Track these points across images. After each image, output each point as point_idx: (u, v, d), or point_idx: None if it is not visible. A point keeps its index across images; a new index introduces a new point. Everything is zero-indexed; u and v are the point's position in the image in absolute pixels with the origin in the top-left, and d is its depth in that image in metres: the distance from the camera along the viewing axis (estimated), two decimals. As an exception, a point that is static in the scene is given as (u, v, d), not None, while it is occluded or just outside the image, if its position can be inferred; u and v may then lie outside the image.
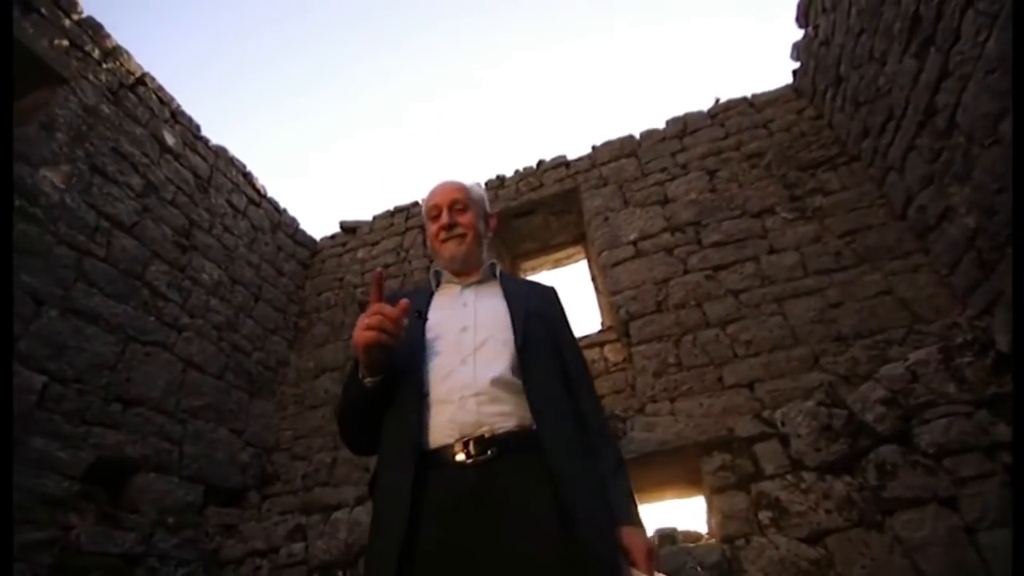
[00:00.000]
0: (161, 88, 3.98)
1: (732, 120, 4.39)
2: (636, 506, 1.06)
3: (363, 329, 1.00)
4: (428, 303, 1.26)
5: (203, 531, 3.16)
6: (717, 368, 3.26)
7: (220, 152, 4.43)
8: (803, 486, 2.46)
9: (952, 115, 2.80)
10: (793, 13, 4.20)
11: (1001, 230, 2.64)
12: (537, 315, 1.20)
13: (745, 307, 3.45)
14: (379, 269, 1.11)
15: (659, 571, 0.95)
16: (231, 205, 4.39)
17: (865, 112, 3.58)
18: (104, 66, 3.53)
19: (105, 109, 3.45)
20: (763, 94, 4.47)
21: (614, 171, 4.49)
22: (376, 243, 4.98)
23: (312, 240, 5.30)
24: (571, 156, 4.82)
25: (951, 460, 2.30)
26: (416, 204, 5.11)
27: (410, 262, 4.69)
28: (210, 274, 3.94)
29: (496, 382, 1.03)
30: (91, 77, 3.41)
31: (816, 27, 3.94)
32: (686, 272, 3.74)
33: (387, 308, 1.01)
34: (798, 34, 4.31)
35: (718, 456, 2.65)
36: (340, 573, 3.00)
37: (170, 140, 3.94)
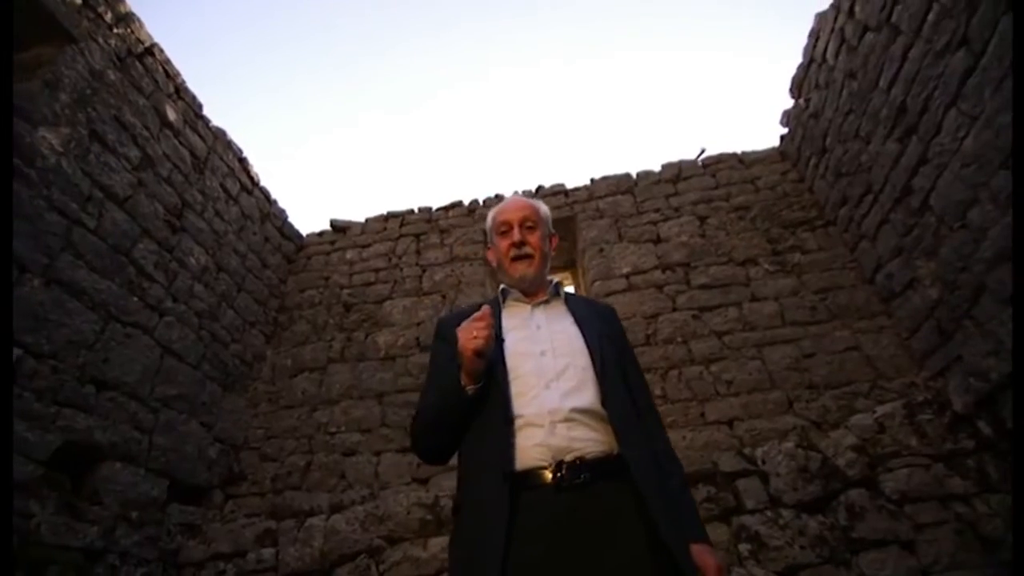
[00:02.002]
0: (168, 61, 3.84)
1: (723, 172, 4.70)
2: (702, 523, 1.14)
3: (470, 338, 1.05)
4: (499, 323, 1.27)
5: (165, 529, 2.97)
6: (700, 404, 3.44)
7: (219, 134, 4.30)
8: (781, 522, 2.64)
9: (926, 197, 3.15)
10: (785, 55, 4.58)
11: (961, 304, 2.97)
12: (606, 337, 1.25)
13: (728, 348, 3.67)
14: (487, 307, 1.15)
15: None
16: (224, 190, 4.24)
17: (845, 183, 3.94)
18: (115, 31, 3.38)
19: (111, 75, 3.30)
20: (752, 152, 4.82)
21: (611, 205, 4.69)
22: (367, 246, 4.92)
23: (299, 234, 5.17)
24: (569, 185, 4.99)
25: (911, 507, 2.54)
26: (412, 211, 5.11)
27: (401, 269, 4.67)
28: (197, 258, 3.78)
29: (583, 409, 1.07)
30: (100, 40, 3.26)
31: (808, 100, 4.33)
32: (674, 310, 3.94)
33: (488, 317, 1.09)
34: (787, 95, 4.70)
35: (703, 488, 2.79)
36: (313, 582, 2.89)
37: (171, 115, 3.79)
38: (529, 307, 1.31)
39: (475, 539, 0.98)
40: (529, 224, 1.35)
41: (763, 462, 2.85)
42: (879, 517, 2.53)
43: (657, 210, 4.55)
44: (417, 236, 4.87)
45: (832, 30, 3.86)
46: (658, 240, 4.36)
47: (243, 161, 4.54)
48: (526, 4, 18.40)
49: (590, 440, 1.04)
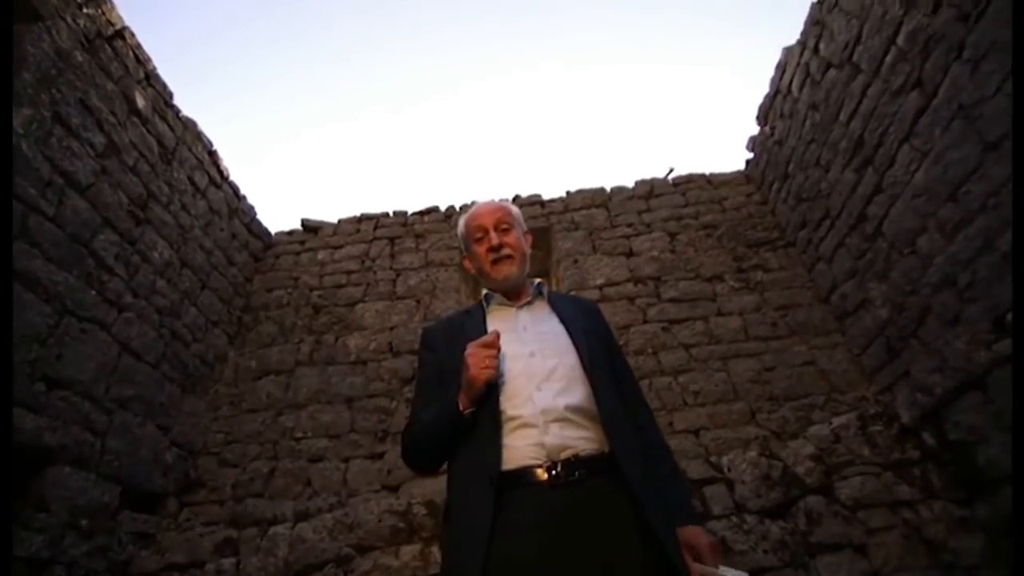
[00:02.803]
0: (139, 46, 3.68)
1: (692, 192, 4.90)
2: (693, 508, 1.19)
3: (482, 368, 1.06)
4: (484, 326, 1.29)
5: (115, 538, 2.80)
6: (669, 413, 3.55)
7: (189, 125, 4.14)
8: (745, 527, 2.75)
9: (879, 224, 3.39)
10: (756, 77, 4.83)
11: (908, 324, 3.21)
12: (592, 333, 1.28)
13: (695, 360, 3.81)
14: (497, 331, 1.15)
15: (723, 565, 1.06)
16: (192, 183, 4.07)
17: (805, 207, 4.20)
18: (84, 11, 3.22)
19: (78, 56, 3.13)
20: (720, 174, 5.06)
21: (585, 218, 4.79)
22: (339, 247, 4.83)
23: (267, 232, 5.02)
24: (545, 196, 5.07)
25: (864, 512, 2.70)
26: (387, 214, 5.05)
27: (375, 272, 4.60)
28: (161, 253, 3.61)
29: (575, 408, 1.09)
30: (69, 20, 3.09)
31: (773, 128, 4.59)
32: (645, 322, 4.06)
33: (498, 343, 1.11)
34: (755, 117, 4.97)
35: (673, 495, 2.87)
36: (277, 593, 2.79)
37: (140, 102, 3.62)
38: (514, 309, 1.33)
39: (463, 538, 0.99)
40: (504, 226, 1.36)
41: (729, 470, 2.97)
42: (835, 522, 2.68)
43: (630, 224, 4.69)
44: (392, 240, 4.82)
45: (798, 64, 4.12)
46: (630, 254, 4.49)
47: (213, 154, 4.38)
48: (508, 16, 18.64)
49: (583, 438, 1.06)
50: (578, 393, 1.13)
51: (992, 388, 2.44)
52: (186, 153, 4.06)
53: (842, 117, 3.65)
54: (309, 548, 2.92)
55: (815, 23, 3.85)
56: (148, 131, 3.67)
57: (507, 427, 1.08)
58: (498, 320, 1.31)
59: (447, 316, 1.57)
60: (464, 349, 1.15)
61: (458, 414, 1.09)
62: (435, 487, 3.30)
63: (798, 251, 4.34)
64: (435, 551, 2.80)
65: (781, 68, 4.39)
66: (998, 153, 2.52)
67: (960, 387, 2.59)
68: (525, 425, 1.07)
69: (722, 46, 19.59)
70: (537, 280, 1.42)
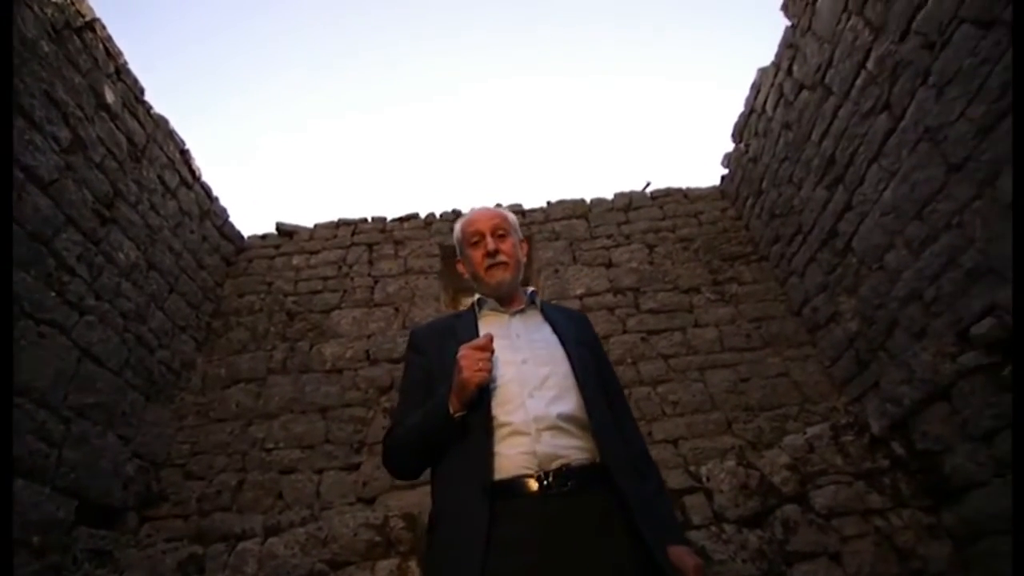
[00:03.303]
0: (110, 39, 3.55)
1: (669, 205, 5.00)
2: (679, 526, 1.19)
3: (475, 370, 1.03)
4: (476, 330, 1.27)
5: (70, 556, 2.63)
6: (648, 423, 3.57)
7: (160, 122, 3.99)
8: (724, 537, 2.77)
9: (849, 240, 3.52)
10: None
11: (877, 337, 3.33)
12: (583, 344, 1.28)
13: (673, 371, 3.85)
14: (491, 334, 1.12)
15: None
16: (162, 182, 3.92)
17: (778, 223, 4.32)
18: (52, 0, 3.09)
19: (45, 47, 2.99)
20: (696, 189, 5.17)
21: (566, 228, 4.83)
22: (315, 252, 4.72)
23: (240, 236, 4.86)
24: (526, 206, 5.09)
25: (838, 520, 2.76)
26: (365, 220, 4.97)
27: (352, 278, 4.51)
28: (127, 254, 3.45)
29: (567, 417, 1.08)
30: (36, 8, 2.96)
31: (748, 145, 4.73)
32: (625, 332, 4.09)
33: (491, 346, 1.08)
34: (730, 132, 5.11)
35: (654, 505, 2.88)
36: (245, 612, 2.66)
37: (110, 97, 3.48)
38: (507, 316, 1.31)
39: (454, 550, 0.96)
40: (500, 232, 1.35)
41: (708, 479, 3.00)
42: (810, 531, 2.73)
43: (610, 236, 4.74)
44: (370, 246, 4.74)
45: (772, 85, 4.27)
46: (610, 264, 4.53)
47: (185, 153, 4.24)
48: (491, 27, 18.79)
49: (574, 448, 1.05)
50: (570, 402, 1.11)
51: (957, 399, 2.54)
52: (157, 151, 3.92)
53: (814, 136, 3.79)
54: (280, 564, 2.80)
55: (789, 46, 4.01)
56: (117, 127, 3.53)
57: (498, 434, 1.05)
58: (491, 325, 1.29)
59: (436, 319, 1.54)
60: (455, 352, 1.12)
61: (448, 417, 1.06)
62: (413, 499, 3.23)
63: (771, 265, 4.46)
64: (413, 566, 2.72)
65: (756, 88, 4.54)
66: (961, 174, 2.65)
67: (927, 398, 2.68)
68: (516, 432, 1.05)
69: (700, 62, 20.23)
70: (531, 288, 1.41)
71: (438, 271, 4.54)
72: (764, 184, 4.49)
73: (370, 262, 4.61)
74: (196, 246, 4.24)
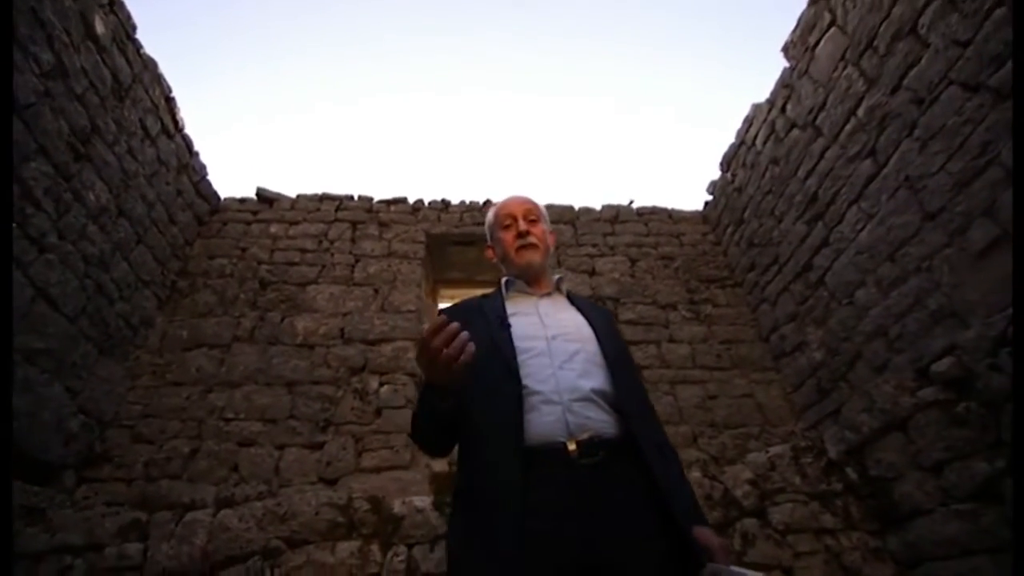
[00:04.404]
0: (108, -33, 3.34)
1: (654, 223, 5.14)
2: (701, 509, 1.22)
3: (450, 359, 0.96)
4: (503, 308, 1.28)
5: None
6: (619, 430, 3.62)
7: (149, 64, 3.78)
8: (686, 545, 2.84)
9: (823, 275, 3.72)
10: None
11: (840, 367, 3.52)
12: (610, 336, 1.29)
13: (646, 382, 3.93)
14: (445, 317, 1.03)
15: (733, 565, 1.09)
16: (143, 126, 3.70)
17: (756, 252, 4.52)
18: (53, -87, 2.88)
19: (38, -39, 2.78)
20: (680, 211, 5.34)
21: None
22: (295, 223, 4.56)
23: (216, 195, 4.64)
24: (515, 205, 5.10)
25: (792, 537, 2.88)
26: (351, 197, 4.85)
27: (332, 254, 4.38)
28: (98, 195, 3.22)
29: (598, 391, 1.10)
30: (34, -82, 2.75)
31: (734, 175, 4.93)
32: (602, 339, 4.14)
33: (440, 327, 0.98)
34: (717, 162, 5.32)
35: (621, 508, 2.92)
36: (190, 585, 2.50)
37: (100, 28, 3.27)
38: (535, 297, 1.33)
39: (488, 512, 0.96)
40: (532, 217, 1.40)
41: (674, 488, 3.07)
42: (767, 544, 2.84)
43: (595, 245, 4.82)
44: (354, 224, 4.63)
45: (764, 120, 4.48)
46: (593, 272, 4.60)
47: (170, 100, 4.02)
48: (506, 37, 18.89)
49: (603, 421, 1.06)
50: (599, 378, 1.13)
51: (913, 430, 2.71)
52: (141, 93, 3.70)
53: (800, 173, 4.00)
54: (232, 538, 2.65)
55: (785, 86, 4.22)
56: (103, 60, 3.31)
57: (528, 402, 1.06)
58: (518, 304, 1.30)
59: (463, 299, 1.54)
60: (481, 329, 1.14)
61: (442, 409, 1.07)
62: (377, 483, 3.14)
63: (744, 291, 4.65)
64: (375, 549, 2.64)
65: (748, 122, 4.75)
66: (935, 223, 2.86)
67: (884, 427, 2.85)
68: (547, 401, 1.06)
69: (690, 94, 21.05)
70: (557, 275, 1.42)
71: (422, 258, 4.47)
72: (746, 214, 4.68)
73: (353, 240, 4.49)
74: (170, 199, 4.01)
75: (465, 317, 1.31)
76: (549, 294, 1.35)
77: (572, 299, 1.38)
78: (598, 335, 1.23)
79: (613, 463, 1.01)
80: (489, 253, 1.50)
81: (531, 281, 1.35)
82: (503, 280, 1.38)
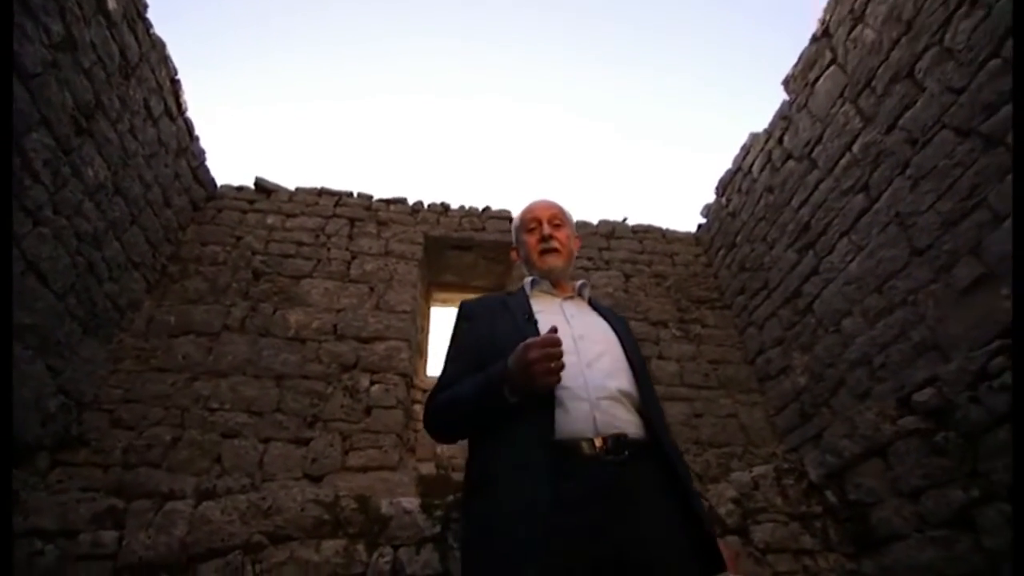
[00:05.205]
0: (126, -56, 3.31)
1: (648, 241, 5.23)
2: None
3: (548, 373, 1.02)
4: (528, 307, 1.30)
5: (-32, 490, 2.30)
6: (606, 442, 3.65)
7: (158, 44, 3.73)
8: (669, 559, 2.86)
9: (811, 302, 3.83)
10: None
11: (823, 393, 3.61)
12: (631, 339, 1.33)
13: (634, 396, 3.98)
14: (558, 336, 1.05)
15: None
16: (147, 106, 3.64)
17: (746, 276, 4.63)
18: None
19: (57, -69, 2.75)
20: (673, 231, 5.45)
21: (550, 243, 4.91)
22: (293, 215, 4.51)
23: (212, 182, 4.56)
24: (515, 213, 5.14)
25: (772, 556, 2.93)
26: (350, 194, 4.82)
27: (329, 249, 4.34)
28: (96, 172, 3.15)
29: (624, 392, 1.12)
30: None
31: (729, 200, 5.06)
32: (593, 351, 4.18)
33: (558, 347, 1.03)
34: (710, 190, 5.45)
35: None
36: (166, 577, 2.43)
37: (111, 4, 3.22)
38: (559, 299, 1.35)
39: (514, 505, 0.97)
40: (556, 222, 1.43)
41: (659, 503, 3.11)
42: (748, 562, 2.88)
43: (590, 259, 4.88)
44: (352, 220, 4.60)
45: (762, 149, 4.62)
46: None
47: (176, 83, 3.97)
48: (518, 51, 19.09)
49: (628, 421, 1.08)
50: (625, 380, 1.15)
51: (892, 457, 2.80)
52: (147, 73, 3.64)
53: (794, 203, 4.13)
54: (214, 530, 2.58)
55: (783, 118, 4.37)
56: (113, 36, 3.26)
57: (557, 397, 1.07)
58: (542, 304, 1.32)
59: (487, 295, 1.56)
60: (506, 323, 1.18)
61: (503, 400, 1.07)
62: (364, 482, 3.10)
63: (733, 313, 4.75)
64: (361, 549, 2.60)
65: (746, 150, 4.89)
66: (923, 258, 2.98)
67: (865, 453, 2.93)
68: (576, 398, 1.07)
69: (690, 115, 21.60)
70: (580, 281, 1.45)
71: (419, 259, 4.47)
72: (739, 238, 4.80)
73: (350, 236, 4.46)
74: (167, 182, 3.94)
75: (490, 311, 1.34)
76: (571, 297, 1.38)
77: (594, 305, 1.40)
78: (622, 341, 1.26)
79: (637, 462, 1.04)
80: (513, 255, 1.53)
81: (554, 284, 1.38)
82: (528, 279, 1.40)
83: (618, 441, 1.03)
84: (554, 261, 1.37)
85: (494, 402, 1.08)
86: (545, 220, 1.41)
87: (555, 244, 1.38)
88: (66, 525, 2.47)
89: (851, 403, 3.36)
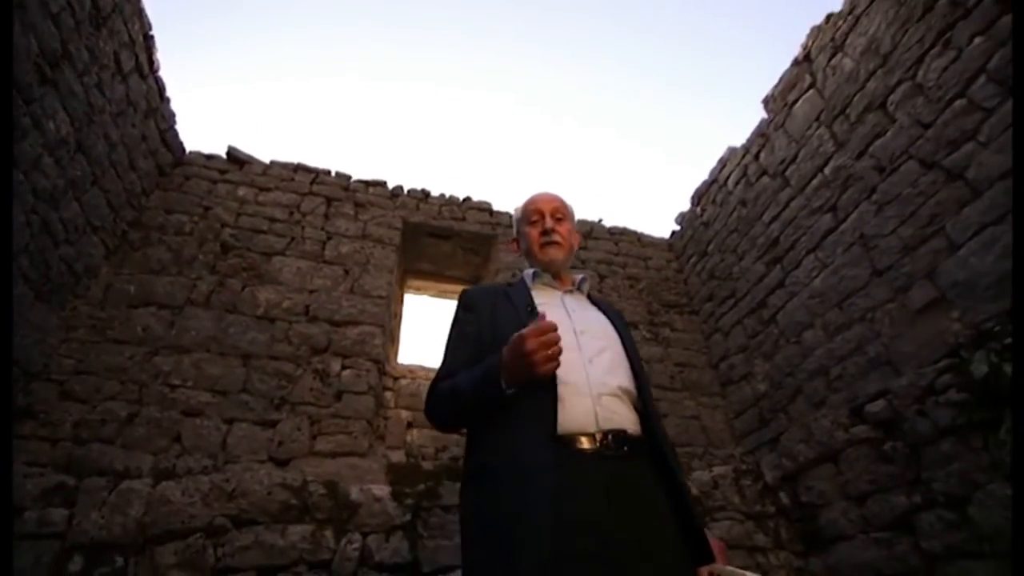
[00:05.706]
0: None
1: (624, 244, 5.33)
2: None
3: (547, 360, 1.00)
4: (530, 298, 1.31)
5: (-101, 460, 2.11)
6: (575, 438, 3.72)
7: (133, -4, 3.50)
8: (632, 553, 2.96)
9: (775, 313, 4.02)
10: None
11: (781, 400, 3.81)
12: (629, 336, 1.36)
13: (604, 394, 4.06)
14: (555, 323, 1.04)
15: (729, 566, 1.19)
16: (117, 61, 3.41)
17: (715, 284, 4.80)
18: None
19: None
20: (648, 236, 5.58)
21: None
22: (267, 190, 4.33)
23: (181, 147, 4.32)
24: (495, 206, 5.13)
25: (729, 552, 3.08)
26: (328, 172, 4.68)
27: (303, 228, 4.20)
28: (58, 126, 2.93)
29: (624, 389, 1.15)
30: None
31: (704, 210, 5.22)
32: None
33: (555, 334, 1.03)
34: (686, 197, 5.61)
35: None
36: (120, 559, 2.31)
37: (86, -54, 3.00)
38: (559, 292, 1.37)
39: (519, 495, 0.98)
40: (558, 216, 1.44)
41: (625, 498, 3.20)
42: (705, 558, 3.02)
43: (567, 256, 4.93)
44: (329, 200, 4.47)
45: (738, 164, 4.79)
46: (563, 283, 4.70)
47: (149, 38, 3.73)
48: (511, 52, 18.86)
49: (627, 418, 1.11)
50: (624, 376, 1.18)
51: (843, 463, 2.98)
52: (120, 25, 3.41)
53: (765, 218, 4.31)
54: (173, 512, 2.47)
55: (761, 135, 4.54)
56: (86, -19, 3.04)
57: (559, 391, 1.08)
58: (543, 295, 1.33)
59: (488, 284, 1.56)
60: (507, 312, 1.20)
61: (501, 391, 1.07)
62: (331, 468, 3.04)
63: (700, 319, 4.92)
64: (328, 535, 2.55)
65: (723, 163, 5.06)
66: (883, 279, 3.18)
67: (819, 458, 3.11)
68: (578, 393, 1.09)
69: (670, 121, 22.10)
70: (580, 275, 1.47)
71: (397, 244, 4.39)
72: (710, 247, 4.98)
73: (327, 216, 4.34)
74: (133, 143, 3.71)
75: (491, 301, 1.34)
76: (571, 291, 1.39)
77: (592, 299, 1.43)
78: (621, 336, 1.29)
79: (635, 458, 1.07)
80: (513, 246, 1.54)
81: (554, 276, 1.39)
82: (530, 271, 1.41)
83: (618, 437, 1.05)
84: (555, 254, 1.38)
85: (492, 393, 1.08)
86: (548, 213, 1.42)
87: (556, 237, 1.39)
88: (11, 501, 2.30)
89: (807, 411, 3.55)
